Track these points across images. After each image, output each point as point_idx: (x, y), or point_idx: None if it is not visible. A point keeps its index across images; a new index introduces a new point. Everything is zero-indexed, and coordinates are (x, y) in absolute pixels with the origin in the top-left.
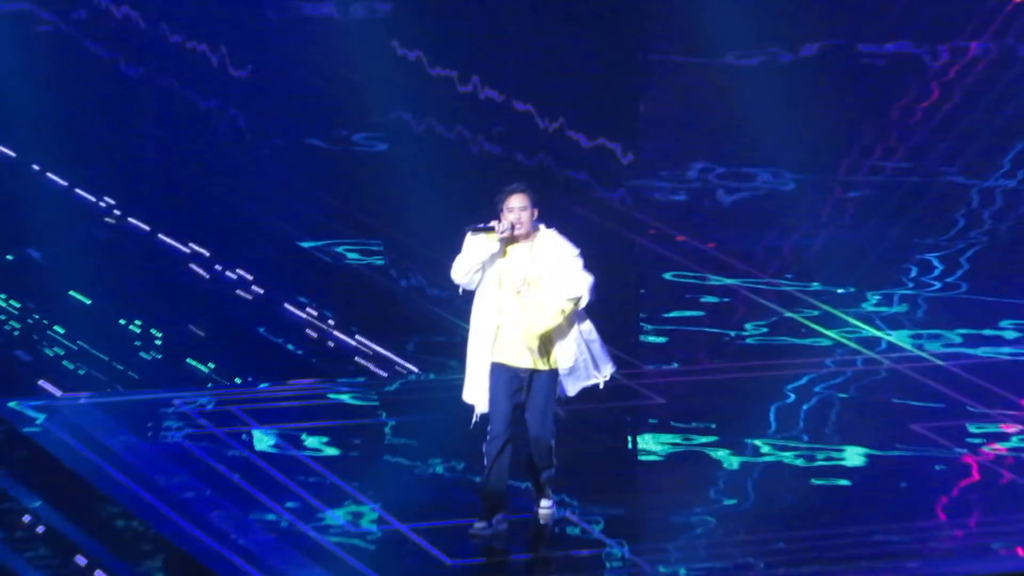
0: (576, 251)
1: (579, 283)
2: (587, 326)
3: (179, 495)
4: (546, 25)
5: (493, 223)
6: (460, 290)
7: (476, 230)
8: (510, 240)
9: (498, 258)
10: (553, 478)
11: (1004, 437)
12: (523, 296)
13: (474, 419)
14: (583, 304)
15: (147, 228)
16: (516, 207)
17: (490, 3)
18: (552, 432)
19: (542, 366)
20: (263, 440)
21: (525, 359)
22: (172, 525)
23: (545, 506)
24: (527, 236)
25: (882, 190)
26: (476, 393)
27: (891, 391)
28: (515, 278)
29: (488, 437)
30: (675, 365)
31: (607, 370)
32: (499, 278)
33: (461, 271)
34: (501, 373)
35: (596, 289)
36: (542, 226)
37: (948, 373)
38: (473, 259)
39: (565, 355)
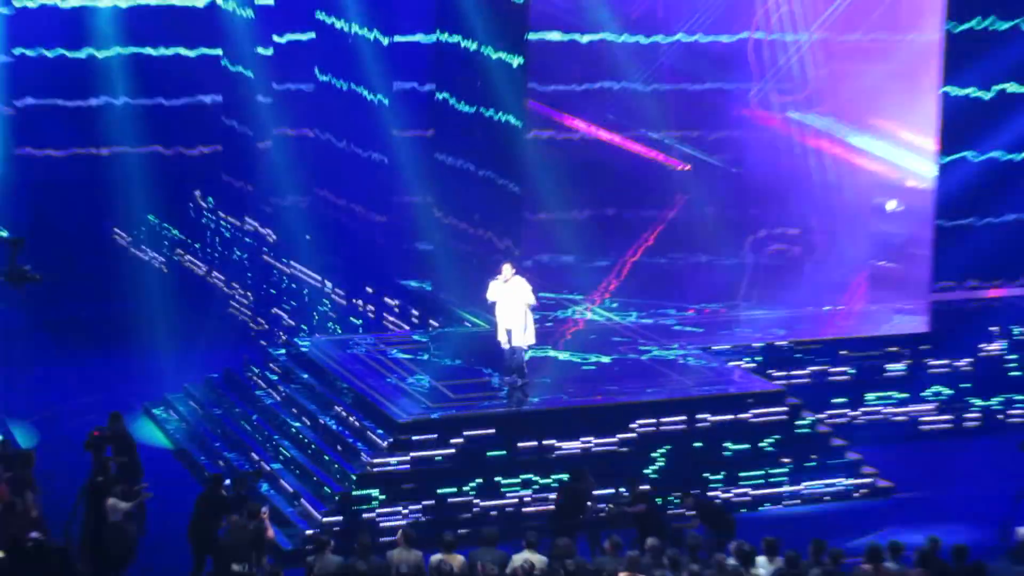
0: (531, 287)
1: (532, 299)
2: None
3: (359, 374)
4: (495, 174)
5: (498, 277)
6: (489, 302)
7: (492, 279)
8: (504, 282)
9: (501, 289)
10: (519, 380)
11: (667, 348)
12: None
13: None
14: (532, 305)
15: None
16: (506, 268)
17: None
18: (520, 359)
19: (513, 328)
20: (388, 352)
21: (510, 326)
22: (356, 384)
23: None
24: (511, 279)
25: (638, 270)
26: (502, 339)
27: (612, 334)
28: (506, 296)
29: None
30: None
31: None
32: (501, 297)
33: (489, 296)
34: (501, 331)
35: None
36: (517, 275)
37: (636, 330)
38: (493, 291)
39: (524, 330)
